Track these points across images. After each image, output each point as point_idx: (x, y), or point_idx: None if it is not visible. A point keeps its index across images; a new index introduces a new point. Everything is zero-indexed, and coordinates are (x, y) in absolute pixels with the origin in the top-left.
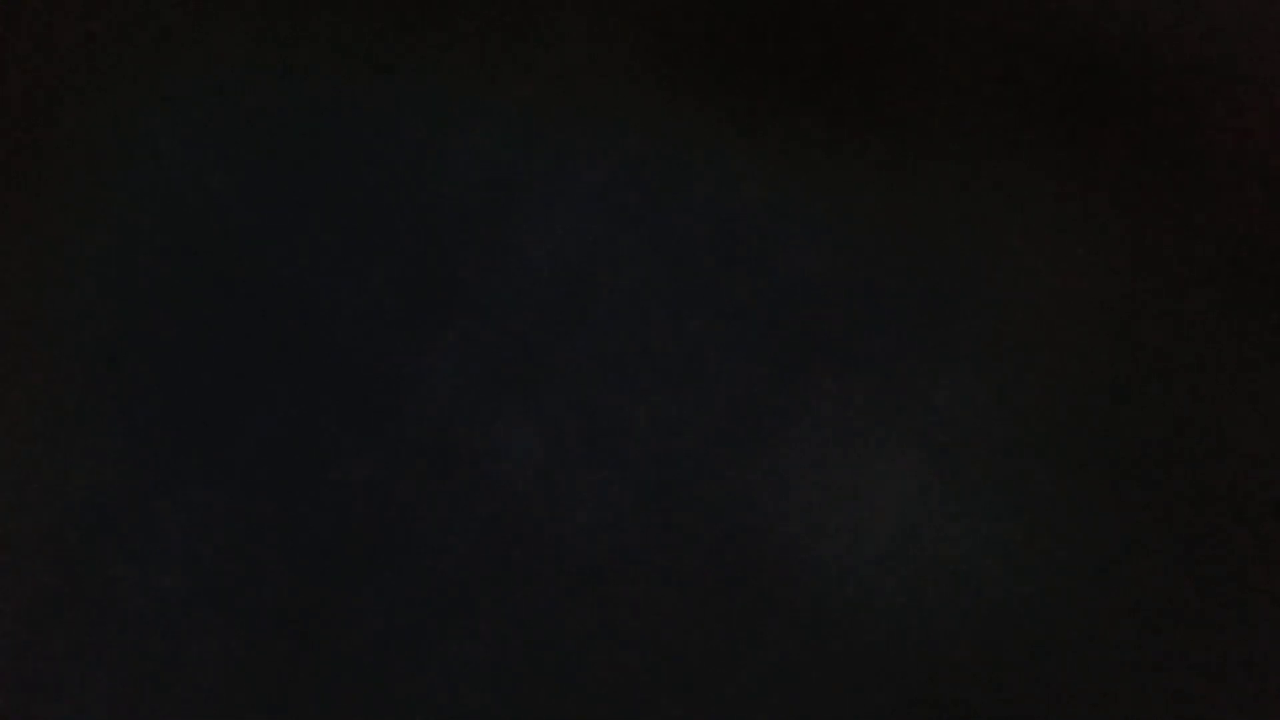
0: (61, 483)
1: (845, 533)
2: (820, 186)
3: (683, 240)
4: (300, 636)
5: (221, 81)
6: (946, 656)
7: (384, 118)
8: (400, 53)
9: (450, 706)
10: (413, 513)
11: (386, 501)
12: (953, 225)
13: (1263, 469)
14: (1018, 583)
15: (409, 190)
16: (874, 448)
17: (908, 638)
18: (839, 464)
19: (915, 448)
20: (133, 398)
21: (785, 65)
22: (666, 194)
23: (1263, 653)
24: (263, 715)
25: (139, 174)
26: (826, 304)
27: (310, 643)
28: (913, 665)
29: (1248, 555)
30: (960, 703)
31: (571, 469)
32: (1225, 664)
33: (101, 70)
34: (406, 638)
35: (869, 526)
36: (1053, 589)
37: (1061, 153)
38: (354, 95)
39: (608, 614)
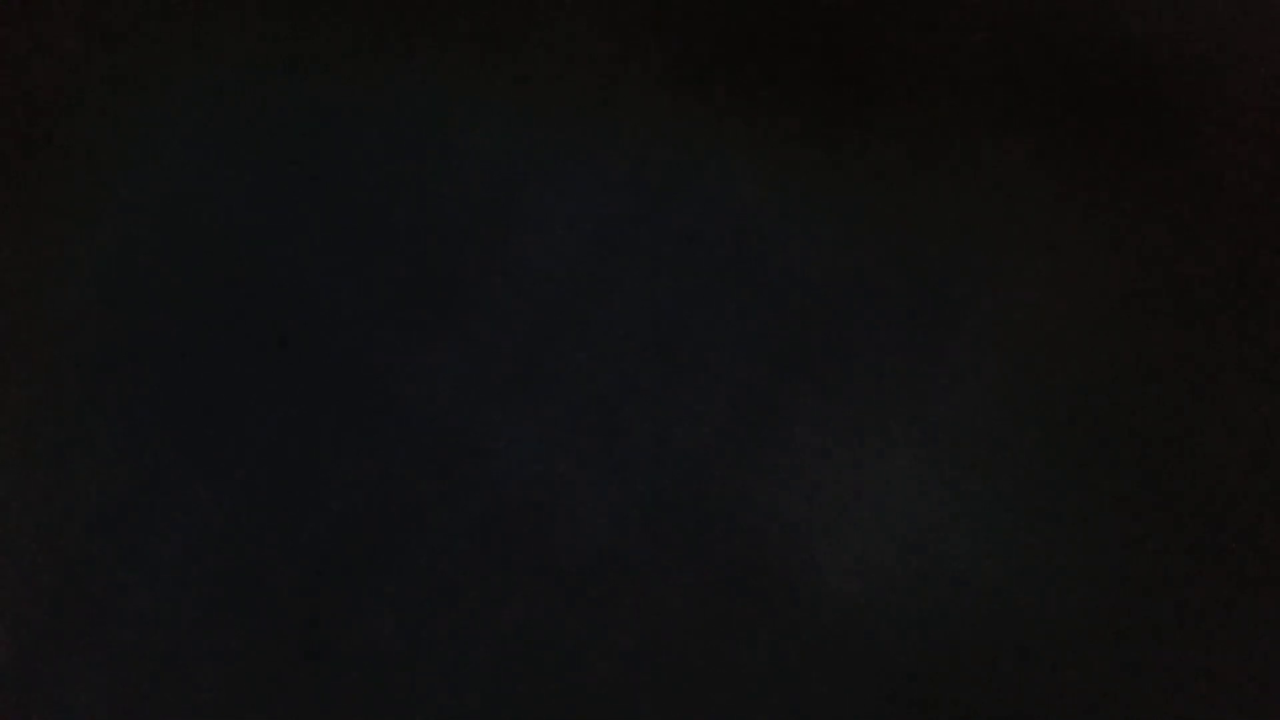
0: (61, 483)
1: (845, 532)
2: (820, 186)
3: (683, 240)
4: (300, 636)
5: (222, 81)
6: (947, 656)
7: (384, 118)
8: (400, 53)
9: (450, 706)
10: (413, 513)
11: (386, 501)
12: (953, 225)
13: (1264, 469)
14: (1018, 583)
15: (409, 190)
16: (874, 448)
17: (908, 638)
18: (839, 464)
19: (915, 448)
20: (132, 398)
21: (785, 65)
22: (666, 194)
23: (1263, 653)
24: (263, 715)
25: (139, 174)
26: (827, 304)
27: (310, 642)
28: (913, 665)
29: (1249, 555)
30: (960, 703)
31: (571, 469)
32: (1225, 664)
33: (101, 70)
34: (406, 637)
35: (869, 526)
36: (1053, 589)
37: (1062, 153)
38: (354, 95)
39: (608, 614)
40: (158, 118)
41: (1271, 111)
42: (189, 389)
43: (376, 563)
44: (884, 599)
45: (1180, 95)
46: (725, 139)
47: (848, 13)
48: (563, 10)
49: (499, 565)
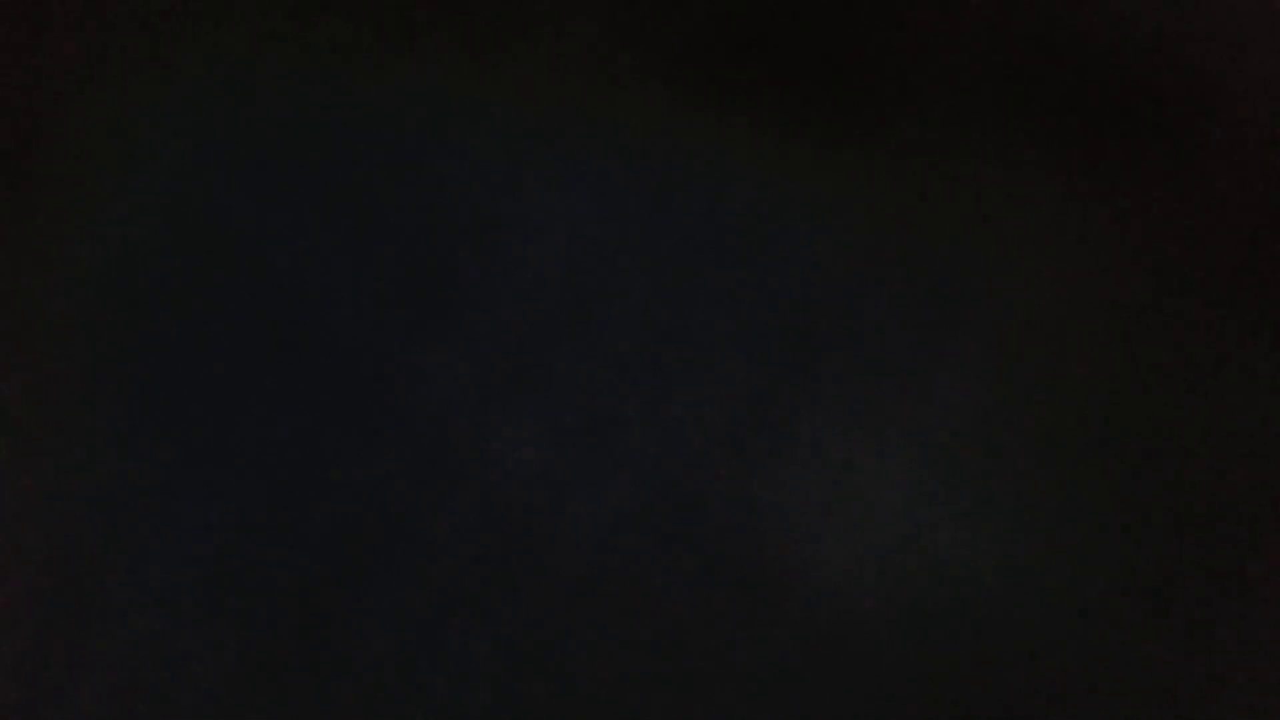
0: (61, 483)
1: (846, 532)
2: (820, 186)
3: (683, 240)
4: (300, 636)
5: (222, 81)
6: (946, 656)
7: (384, 118)
8: (400, 53)
9: (451, 706)
10: (413, 513)
11: (386, 501)
12: (953, 225)
13: (1264, 469)
14: (1017, 582)
15: (409, 190)
16: (874, 447)
17: (907, 637)
18: (839, 463)
19: (915, 447)
20: (132, 398)
21: (786, 65)
22: (666, 194)
23: (1263, 653)
24: (263, 715)
25: (139, 174)
26: (827, 304)
27: (310, 643)
28: (912, 664)
29: (1249, 555)
30: (960, 703)
31: (571, 469)
32: (1225, 664)
33: (101, 70)
34: (406, 637)
35: (869, 526)
36: (1052, 588)
37: (1062, 153)
38: (354, 95)
39: (608, 614)
40: (158, 118)
41: (1272, 112)
42: (189, 389)
43: (376, 563)
44: (884, 598)
45: (1181, 96)
46: (725, 139)
47: (848, 13)
48: (563, 10)
49: (499, 566)
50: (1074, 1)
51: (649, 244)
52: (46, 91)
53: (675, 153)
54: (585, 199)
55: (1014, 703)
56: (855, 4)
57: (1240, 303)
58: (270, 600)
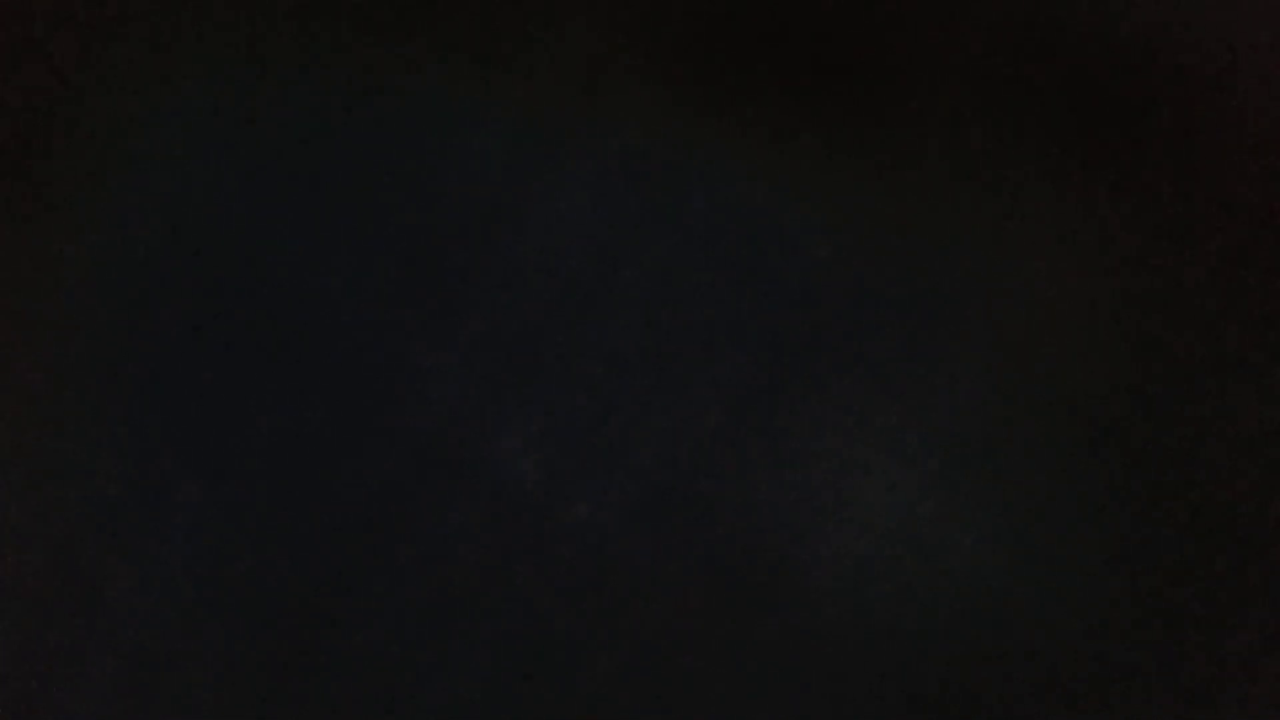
0: (61, 483)
1: (846, 532)
2: (820, 186)
3: (683, 240)
4: (300, 636)
5: (221, 82)
6: (946, 656)
7: (384, 117)
8: (400, 53)
9: (450, 706)
10: (413, 513)
11: (386, 501)
12: (953, 225)
13: (1264, 469)
14: (1016, 582)
15: (409, 190)
16: (874, 447)
17: (907, 637)
18: (838, 463)
19: (915, 447)
20: (132, 397)
21: (786, 65)
22: (666, 194)
23: (1263, 653)
24: (263, 715)
25: (139, 174)
26: (826, 304)
27: (310, 643)
28: (912, 664)
29: (1249, 555)
30: (958, 701)
31: (571, 469)
32: (1225, 664)
33: (101, 70)
34: (406, 637)
35: (869, 526)
36: (1053, 589)
37: (1062, 152)
38: (354, 95)
39: (608, 614)
40: (158, 118)
41: (1272, 112)
42: (189, 389)
43: (376, 563)
44: (884, 598)
45: (1180, 96)
46: (725, 139)
47: (847, 13)
48: (562, 11)
49: (499, 565)
50: (1073, 1)
51: (649, 244)
52: (47, 92)
53: (675, 153)
54: (585, 199)
55: (1014, 702)
56: (855, 4)
57: (1240, 303)
58: (270, 600)
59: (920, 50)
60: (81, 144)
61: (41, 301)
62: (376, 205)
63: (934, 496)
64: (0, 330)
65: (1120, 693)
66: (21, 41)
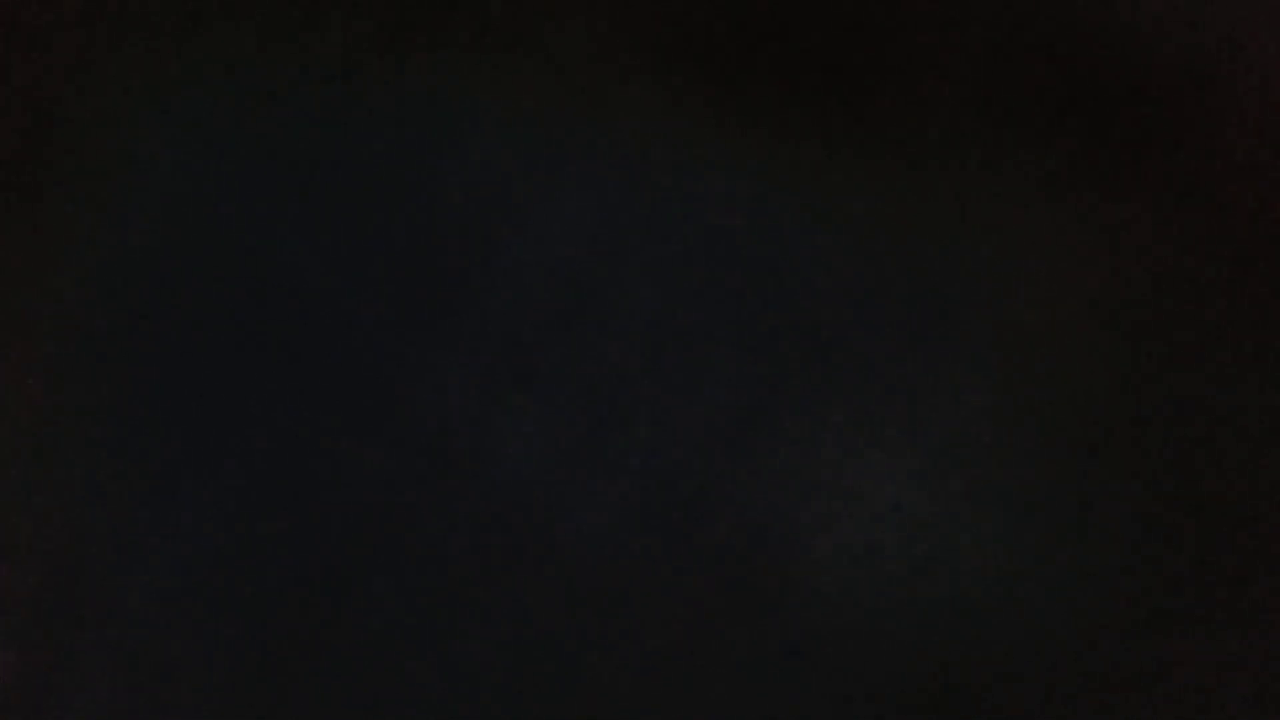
0: (61, 483)
1: (845, 533)
2: (821, 187)
3: (682, 240)
4: (300, 637)
5: (222, 82)
6: (945, 655)
7: (384, 118)
8: (400, 54)
9: (450, 706)
10: (413, 513)
11: (386, 501)
12: (953, 225)
13: (1264, 469)
14: (1015, 582)
15: (409, 191)
16: (873, 447)
17: (908, 637)
18: (838, 463)
19: (914, 447)
20: (132, 398)
21: (786, 65)
22: (666, 194)
23: (1264, 653)
24: (263, 715)
25: (139, 174)
26: (826, 304)
27: (310, 643)
28: (914, 664)
29: (1249, 555)
30: (961, 702)
31: (571, 469)
32: (1226, 664)
33: (101, 70)
34: (406, 638)
35: (869, 526)
36: (1050, 588)
37: (1062, 153)
38: (354, 96)
39: (608, 613)
40: (158, 118)
41: (1272, 111)
42: (189, 389)
43: (377, 562)
44: (884, 598)
45: (1180, 95)
46: (725, 139)
47: (847, 13)
48: (562, 11)
49: (499, 565)
50: (1073, 1)
51: (648, 244)
52: (48, 92)
53: (675, 153)
54: (585, 199)
55: (1015, 702)
56: (855, 4)
57: (1240, 301)
58: (270, 600)
59: (920, 50)
60: (81, 144)
61: (41, 302)
62: (376, 205)
63: (934, 496)
64: (1, 330)
65: (1120, 693)
66: (22, 41)
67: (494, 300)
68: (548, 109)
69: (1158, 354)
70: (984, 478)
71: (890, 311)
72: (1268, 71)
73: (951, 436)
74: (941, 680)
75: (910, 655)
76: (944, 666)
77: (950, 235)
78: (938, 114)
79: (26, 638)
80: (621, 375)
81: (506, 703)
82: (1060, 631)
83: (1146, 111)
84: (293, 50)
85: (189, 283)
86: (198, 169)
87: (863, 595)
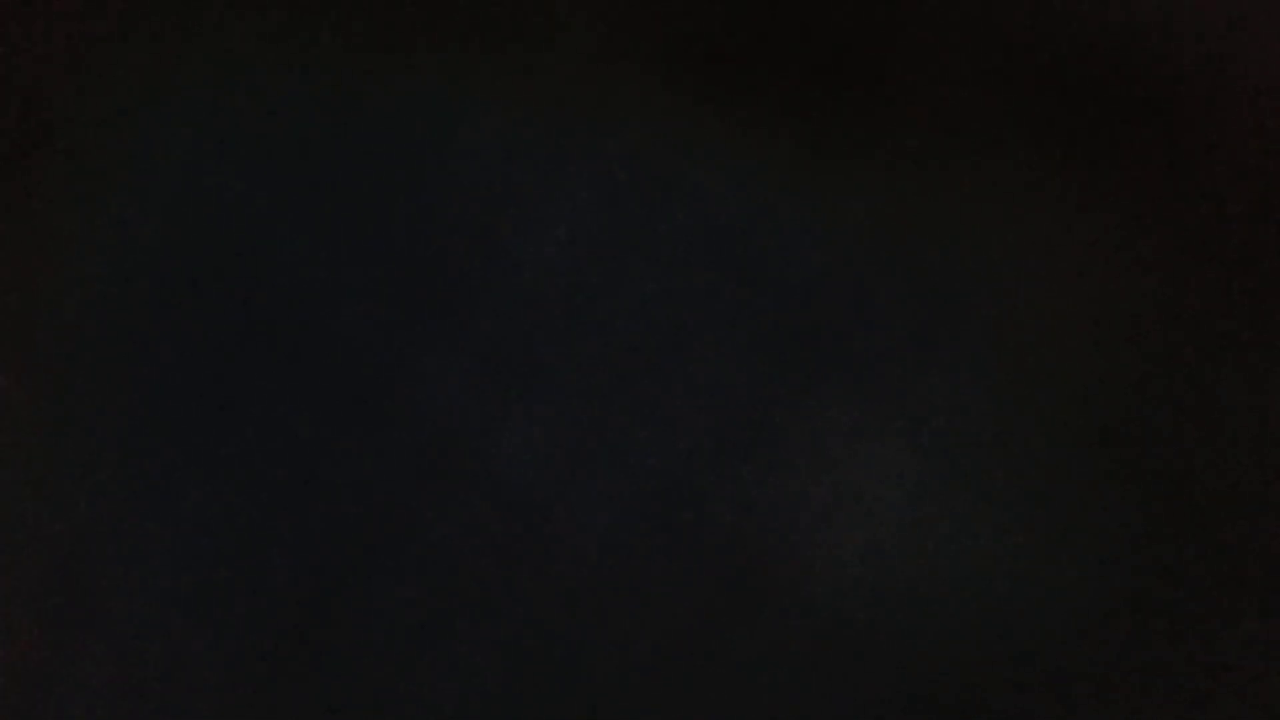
0: (61, 483)
1: (846, 533)
2: (820, 187)
3: (682, 240)
4: (300, 637)
5: (221, 81)
6: (944, 655)
7: (384, 118)
8: (400, 53)
9: (450, 706)
10: (412, 513)
11: (386, 501)
12: (953, 225)
13: (1264, 469)
14: (1015, 582)
15: (409, 190)
16: (874, 448)
17: (908, 637)
18: (838, 464)
19: (915, 448)
20: (131, 397)
21: (785, 65)
22: (666, 194)
23: (1263, 653)
24: (263, 716)
25: (139, 174)
26: (826, 304)
27: (310, 643)
28: (913, 665)
29: (1249, 555)
30: (961, 702)
31: (571, 469)
32: (1226, 664)
33: (102, 70)
34: (406, 637)
35: (869, 527)
36: (1053, 589)
37: (1062, 153)
38: (353, 95)
39: (608, 614)
40: (158, 118)
41: (1272, 111)
42: (189, 389)
43: (376, 563)
44: (884, 598)
45: (1180, 95)
46: (725, 139)
47: (846, 13)
48: (561, 11)
49: (499, 565)
50: (1074, 2)
51: (648, 244)
52: (47, 91)
53: (674, 153)
54: (584, 199)
55: (1015, 702)
56: (854, 4)
57: (1240, 301)
58: (270, 600)
59: (920, 50)
60: (82, 145)
61: (41, 301)
62: (377, 205)
63: (934, 496)
64: (1, 330)
65: (1120, 693)
66: (23, 41)
67: (494, 300)
68: (548, 109)
69: (1158, 354)
70: (984, 477)
71: (890, 311)
72: (1268, 71)
73: (951, 436)
74: (942, 680)
75: (910, 655)
76: (944, 666)
77: (950, 235)
78: (938, 114)
79: (27, 638)
80: (622, 375)
81: (506, 703)
82: (1060, 631)
83: (1146, 111)
84: (293, 50)
85: (189, 282)
86: (197, 169)
87: (863, 595)
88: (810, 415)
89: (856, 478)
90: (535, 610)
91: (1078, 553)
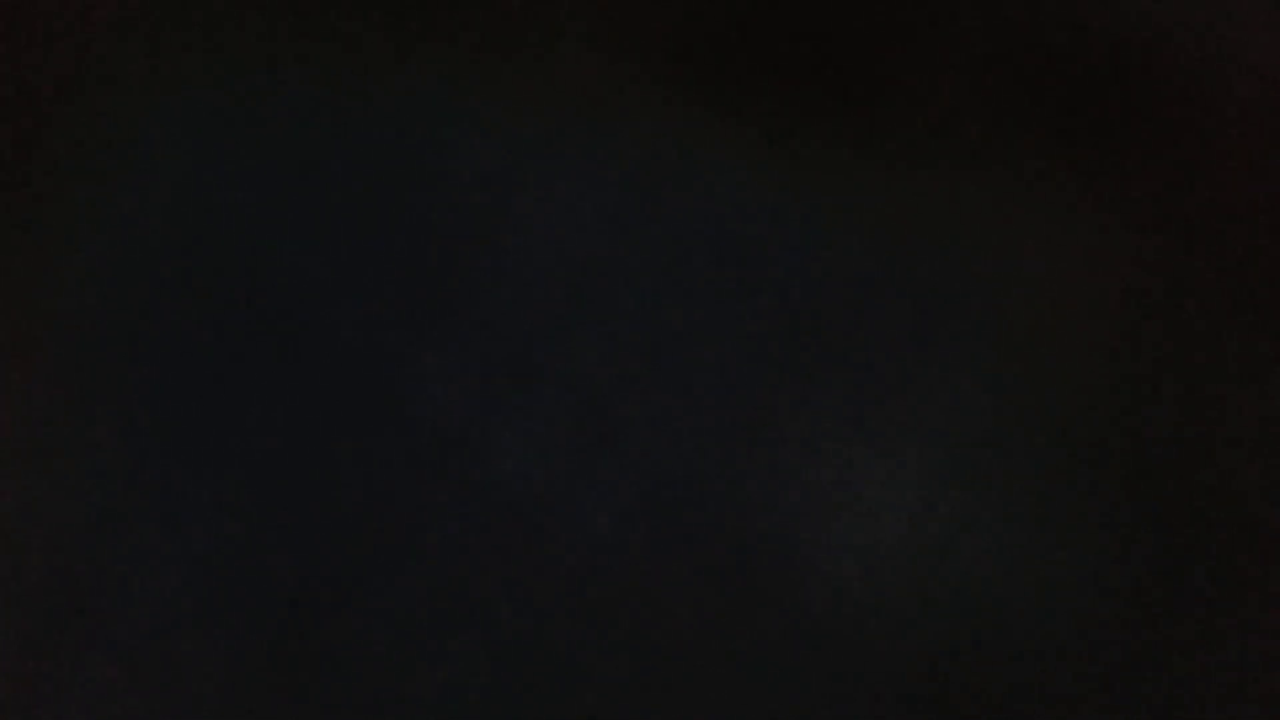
0: (61, 484)
1: (846, 533)
2: (820, 187)
3: (682, 240)
4: (300, 637)
5: (221, 81)
6: (944, 654)
7: (383, 119)
8: (399, 54)
9: (450, 706)
10: (412, 513)
11: (386, 502)
12: (953, 225)
13: (1264, 469)
14: (1015, 581)
15: (409, 190)
16: (874, 448)
17: (906, 636)
18: (838, 463)
19: (915, 447)
20: (132, 398)
21: (785, 65)
22: (666, 194)
23: (1263, 653)
24: (263, 715)
25: (139, 174)
26: (826, 304)
27: (310, 643)
28: (910, 663)
29: (1249, 555)
30: (961, 702)
31: (571, 469)
32: (1225, 664)
33: (102, 72)
34: (406, 637)
35: (869, 526)
36: (1053, 588)
37: (1062, 153)
38: (353, 96)
39: (607, 614)
40: (158, 118)
41: (1272, 111)
42: (189, 389)
43: (376, 563)
44: (884, 598)
45: (1180, 95)
46: (724, 139)
47: (847, 14)
48: (561, 12)
49: (499, 566)
50: (1073, 1)
51: (648, 245)
52: (47, 93)
53: (674, 154)
54: (584, 200)
55: (1015, 701)
56: (854, 5)
57: (1240, 303)
58: (270, 600)
59: (920, 50)
60: (82, 146)
61: (41, 301)
62: (377, 206)
63: (934, 497)
64: (1, 330)
65: (1118, 693)
66: (23, 43)
67: (494, 300)
68: (547, 110)
69: (1158, 354)
70: (984, 477)
71: (890, 311)
72: (1268, 71)
73: (951, 436)
74: (942, 680)
75: (910, 655)
76: (944, 666)
77: (950, 235)
78: (938, 114)
79: (27, 637)
80: (621, 375)
81: (506, 703)
82: (1060, 631)
83: (1146, 112)
84: (293, 50)
85: (189, 283)
86: (198, 169)
87: (863, 595)
88: (810, 415)
89: (856, 477)
90: (535, 610)
91: (1078, 552)
